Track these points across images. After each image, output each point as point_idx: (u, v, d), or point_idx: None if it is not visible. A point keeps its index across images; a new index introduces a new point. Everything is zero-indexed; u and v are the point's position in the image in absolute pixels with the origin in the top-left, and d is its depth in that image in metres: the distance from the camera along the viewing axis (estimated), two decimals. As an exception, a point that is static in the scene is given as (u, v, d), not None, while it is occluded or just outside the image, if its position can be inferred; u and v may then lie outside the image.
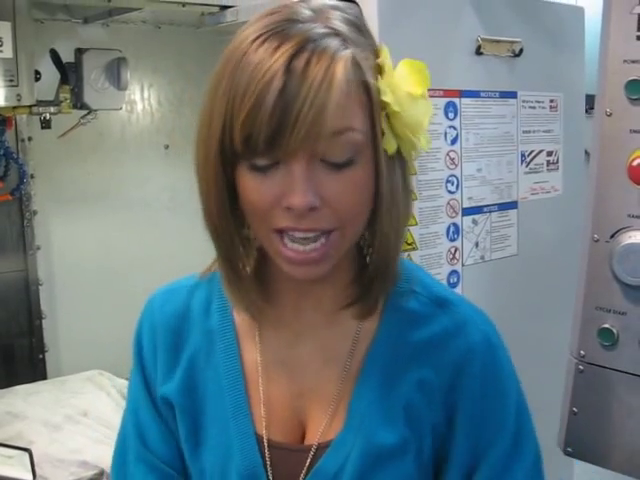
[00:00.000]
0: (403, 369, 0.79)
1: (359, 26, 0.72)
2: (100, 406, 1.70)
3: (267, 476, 0.79)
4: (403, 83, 0.72)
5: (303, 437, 0.81)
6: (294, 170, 0.67)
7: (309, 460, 0.79)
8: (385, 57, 0.72)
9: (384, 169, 0.71)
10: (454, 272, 1.69)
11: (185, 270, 2.64)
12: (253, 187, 0.69)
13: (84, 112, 1.85)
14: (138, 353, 0.88)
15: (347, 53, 0.67)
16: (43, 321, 2.22)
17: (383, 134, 0.71)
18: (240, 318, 0.84)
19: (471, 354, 0.79)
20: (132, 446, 0.87)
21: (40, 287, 2.21)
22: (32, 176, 2.14)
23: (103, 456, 1.53)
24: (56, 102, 1.73)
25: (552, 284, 1.80)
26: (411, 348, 0.79)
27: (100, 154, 2.26)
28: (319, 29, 0.67)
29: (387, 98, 0.69)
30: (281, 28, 0.67)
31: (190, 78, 2.36)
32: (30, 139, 2.12)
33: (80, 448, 1.56)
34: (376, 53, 0.72)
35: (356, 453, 0.77)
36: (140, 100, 2.32)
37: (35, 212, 2.18)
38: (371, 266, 0.78)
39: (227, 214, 0.74)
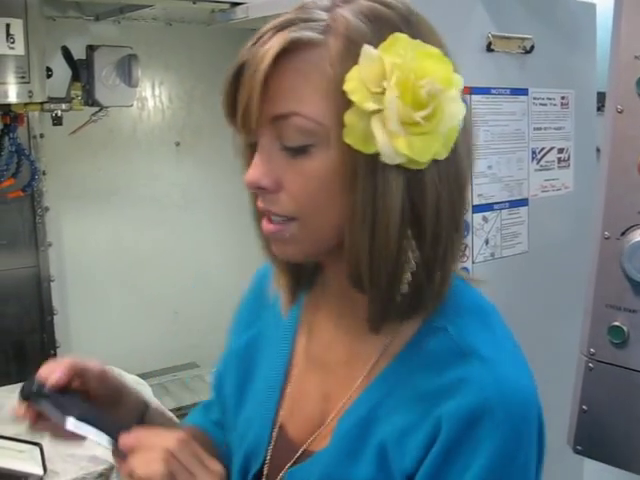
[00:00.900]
0: (394, 408, 0.72)
1: (370, 16, 0.66)
2: (110, 402, 1.71)
3: (264, 461, 0.81)
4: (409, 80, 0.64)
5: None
6: (256, 154, 0.70)
7: (291, 462, 0.79)
8: (387, 48, 0.64)
9: (358, 169, 0.65)
10: (464, 269, 1.69)
11: (196, 267, 2.66)
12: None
13: (95, 109, 1.86)
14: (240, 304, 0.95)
15: (286, 35, 0.65)
16: (54, 317, 2.24)
17: (344, 127, 0.64)
18: (306, 308, 0.85)
19: (466, 423, 0.67)
20: (214, 388, 0.95)
21: (52, 283, 2.22)
22: (44, 173, 2.15)
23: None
24: (67, 99, 1.74)
25: (562, 281, 1.80)
26: (413, 392, 0.71)
27: (111, 151, 2.27)
28: (302, 14, 0.67)
29: (348, 89, 0.64)
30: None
31: (201, 75, 2.36)
32: (42, 136, 2.13)
33: (90, 443, 1.56)
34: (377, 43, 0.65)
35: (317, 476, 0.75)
36: (151, 97, 2.32)
37: (47, 209, 2.19)
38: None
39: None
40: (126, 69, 1.80)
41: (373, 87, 0.63)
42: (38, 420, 0.76)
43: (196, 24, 2.26)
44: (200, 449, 0.71)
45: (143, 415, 0.83)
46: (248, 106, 0.66)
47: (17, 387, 1.84)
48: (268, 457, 0.81)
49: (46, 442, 1.54)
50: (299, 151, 0.67)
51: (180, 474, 0.67)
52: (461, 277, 0.77)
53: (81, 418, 0.72)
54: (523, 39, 1.67)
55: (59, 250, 2.26)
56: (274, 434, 0.81)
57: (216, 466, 0.71)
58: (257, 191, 0.71)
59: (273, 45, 0.65)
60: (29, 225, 2.20)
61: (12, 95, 1.53)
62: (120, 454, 0.69)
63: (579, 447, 1.13)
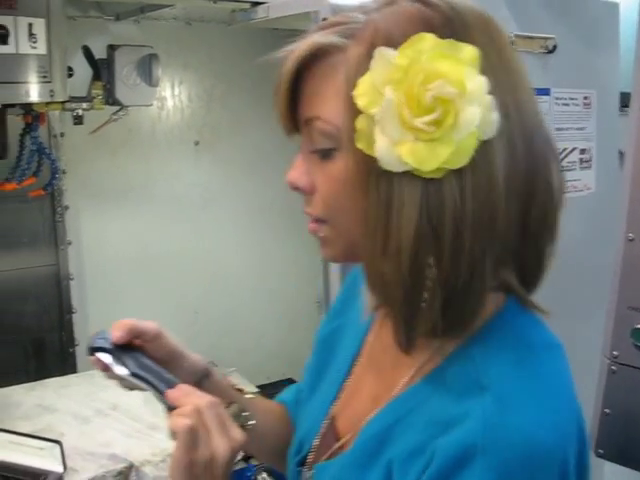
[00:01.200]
0: (409, 429, 0.69)
1: (405, 18, 0.63)
2: (129, 400, 1.71)
3: (310, 449, 0.84)
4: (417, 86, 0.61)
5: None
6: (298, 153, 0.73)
7: (326, 456, 0.80)
8: (404, 49, 0.61)
9: (370, 176, 0.63)
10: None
11: (215, 266, 2.67)
12: None
13: (115, 108, 1.86)
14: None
15: (313, 39, 0.67)
16: (73, 315, 2.25)
17: (355, 132, 0.63)
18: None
19: (454, 461, 0.61)
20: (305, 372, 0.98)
21: (71, 282, 2.24)
22: (64, 172, 2.17)
23: (132, 449, 1.54)
24: (88, 98, 1.75)
25: (585, 283, 1.78)
26: (428, 416, 0.67)
27: (130, 150, 2.28)
28: (341, 18, 0.68)
29: (357, 93, 0.62)
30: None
31: (220, 75, 2.37)
32: (62, 135, 2.14)
33: (109, 441, 1.57)
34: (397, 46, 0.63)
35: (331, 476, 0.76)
36: (170, 97, 2.33)
37: (67, 207, 2.21)
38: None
39: None
40: (147, 68, 1.80)
41: (380, 91, 0.61)
42: (107, 370, 0.81)
43: (216, 23, 2.27)
44: (226, 415, 0.75)
45: (200, 381, 0.86)
46: (279, 110, 0.71)
47: (37, 384, 1.87)
48: (314, 446, 0.83)
49: (65, 440, 1.55)
50: (325, 154, 0.69)
51: (199, 430, 0.71)
52: (521, 303, 0.71)
53: (137, 372, 0.80)
54: (545, 39, 1.66)
55: (78, 249, 2.27)
56: (324, 425, 0.83)
57: (236, 434, 0.74)
58: (297, 192, 0.73)
59: (299, 49, 0.67)
60: (49, 224, 2.21)
61: (34, 94, 1.54)
62: (169, 407, 0.76)
63: (601, 450, 1.12)
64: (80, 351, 2.30)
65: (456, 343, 0.69)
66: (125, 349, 0.81)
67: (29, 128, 1.71)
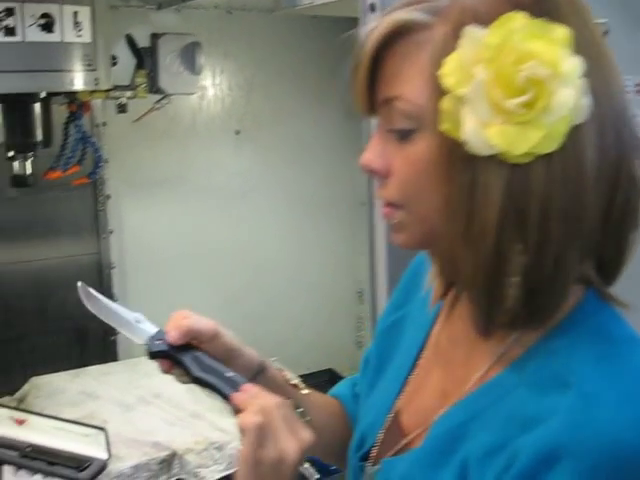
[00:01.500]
0: (487, 425, 0.66)
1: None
2: (171, 388, 1.72)
3: (373, 444, 0.81)
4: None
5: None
6: (374, 135, 0.70)
7: (393, 451, 0.77)
8: (494, 29, 0.59)
9: (454, 159, 0.61)
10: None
11: (254, 256, 2.67)
12: None
13: (158, 97, 1.86)
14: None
15: (396, 16, 0.64)
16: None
17: (439, 113, 0.60)
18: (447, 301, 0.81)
19: (540, 462, 0.58)
20: (362, 364, 0.97)
21: (112, 270, 2.25)
22: (106, 161, 2.17)
23: (175, 438, 1.55)
24: (132, 87, 1.75)
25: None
26: (508, 412, 0.64)
27: (172, 139, 2.28)
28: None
29: (443, 72, 0.59)
30: None
31: (261, 63, 2.36)
32: (105, 124, 2.15)
33: (152, 429, 1.58)
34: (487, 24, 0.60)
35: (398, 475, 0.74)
36: (211, 86, 2.33)
37: (109, 196, 2.22)
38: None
39: None
40: (190, 56, 1.80)
41: (470, 71, 0.59)
42: (170, 369, 0.83)
43: (257, 12, 2.25)
44: (293, 415, 0.74)
45: (255, 377, 0.85)
46: (357, 89, 0.67)
47: (80, 372, 1.89)
48: (378, 441, 0.81)
49: (109, 427, 1.56)
50: (404, 136, 0.66)
51: (268, 429, 0.70)
52: (600, 296, 0.68)
53: (200, 376, 0.80)
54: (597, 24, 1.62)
55: (120, 237, 2.28)
56: (389, 419, 0.81)
57: (305, 434, 0.73)
58: (371, 175, 0.70)
59: (381, 27, 0.64)
60: (91, 212, 2.22)
61: (79, 83, 1.54)
62: (233, 407, 0.76)
63: None
64: (121, 339, 2.32)
65: (537, 335, 0.66)
66: (183, 349, 0.81)
67: (73, 117, 1.72)
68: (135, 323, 0.85)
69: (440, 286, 0.78)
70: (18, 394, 1.78)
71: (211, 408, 1.67)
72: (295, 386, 0.90)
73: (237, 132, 2.39)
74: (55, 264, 2.19)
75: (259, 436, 0.70)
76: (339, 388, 1.02)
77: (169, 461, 1.50)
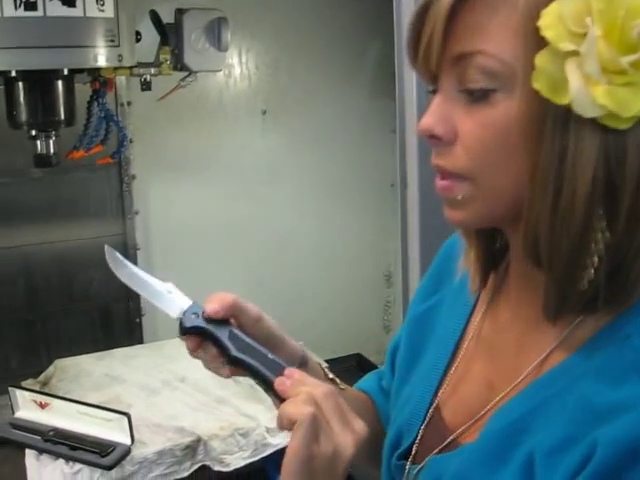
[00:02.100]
0: (554, 416, 0.60)
1: None
2: (197, 373, 1.69)
3: (414, 440, 0.75)
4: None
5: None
6: (434, 98, 0.62)
7: (438, 449, 0.71)
8: None
9: (545, 122, 0.55)
10: None
11: (279, 237, 2.63)
12: None
13: (184, 74, 1.81)
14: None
15: None
16: (140, 285, 2.24)
17: (533, 70, 0.55)
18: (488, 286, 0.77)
19: (625, 455, 0.54)
20: (388, 355, 0.91)
21: (137, 252, 2.24)
22: (131, 140, 2.15)
23: (199, 423, 1.52)
24: (156, 63, 1.70)
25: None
26: (579, 402, 0.59)
27: (198, 119, 2.25)
28: None
29: (543, 25, 0.54)
30: None
31: (287, 43, 2.30)
32: (129, 103, 2.13)
33: (177, 414, 1.55)
34: None
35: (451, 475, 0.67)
36: (237, 64, 2.28)
37: (134, 177, 2.19)
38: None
39: None
40: (215, 33, 1.74)
41: (573, 25, 0.53)
42: (198, 349, 0.75)
43: (284, -12, 2.20)
44: (346, 405, 0.67)
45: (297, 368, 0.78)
46: (430, 44, 0.60)
47: (105, 354, 1.87)
48: (419, 437, 0.75)
49: (133, 411, 1.53)
50: (480, 97, 0.59)
51: (320, 422, 0.64)
52: None
53: (239, 356, 0.72)
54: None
55: (145, 218, 2.26)
56: (429, 414, 0.75)
57: (359, 425, 0.66)
58: (430, 141, 0.63)
59: None
60: (116, 193, 2.20)
61: (102, 59, 1.49)
62: (276, 395, 0.69)
63: None
64: (146, 321, 2.30)
65: (605, 319, 0.61)
66: (220, 325, 0.73)
67: (97, 95, 1.68)
68: (167, 294, 0.76)
69: (478, 273, 0.73)
70: (42, 376, 1.77)
71: (237, 394, 1.63)
72: (333, 381, 0.84)
73: (264, 112, 2.34)
74: (80, 245, 2.17)
75: (312, 429, 0.63)
76: (366, 382, 0.97)
77: (193, 447, 1.47)
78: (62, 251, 2.16)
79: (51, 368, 1.79)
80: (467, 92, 0.59)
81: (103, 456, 1.37)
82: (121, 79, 2.08)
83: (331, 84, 2.37)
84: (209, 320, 0.72)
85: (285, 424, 0.64)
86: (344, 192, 2.44)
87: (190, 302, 0.74)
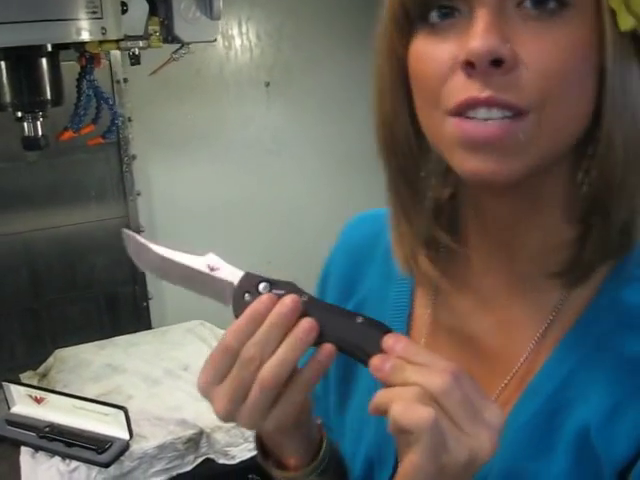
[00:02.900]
0: (592, 382, 0.55)
1: None
2: (201, 360, 1.60)
3: (395, 465, 0.63)
4: None
5: None
6: (477, 16, 0.49)
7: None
8: None
9: (611, 41, 0.50)
10: None
11: (287, 214, 2.53)
12: (427, 53, 0.53)
13: (175, 46, 1.72)
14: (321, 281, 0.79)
15: None
16: (146, 269, 2.18)
17: None
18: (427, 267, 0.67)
19: None
20: None
21: (142, 234, 2.16)
22: (129, 119, 2.08)
23: (202, 414, 1.44)
24: (145, 36, 1.61)
25: None
26: (617, 359, 0.55)
27: (198, 94, 2.17)
28: None
29: None
30: None
31: (290, 11, 2.20)
32: (125, 81, 2.04)
33: (179, 405, 1.48)
34: None
35: (495, 475, 0.58)
36: (238, 35, 2.19)
37: (134, 157, 2.12)
38: (585, 202, 0.55)
39: (402, 104, 0.58)
40: (207, 0, 1.64)
41: None
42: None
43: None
44: (474, 387, 0.50)
45: None
46: None
47: (108, 342, 1.80)
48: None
49: (133, 403, 1.47)
50: (553, 11, 0.49)
51: (445, 424, 0.48)
52: None
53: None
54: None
55: (148, 199, 2.20)
56: None
57: (493, 415, 0.50)
58: (487, 69, 0.49)
59: None
60: (116, 174, 2.13)
61: (84, 33, 1.40)
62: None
63: None
64: (154, 305, 2.23)
65: (600, 271, 0.57)
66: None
67: (84, 72, 1.59)
68: (210, 272, 0.59)
69: (429, 253, 0.64)
70: (42, 368, 1.71)
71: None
72: None
73: (267, 84, 2.25)
74: (82, 229, 2.11)
75: (437, 439, 0.47)
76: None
77: (196, 440, 1.39)
78: (64, 236, 2.10)
79: (51, 359, 1.73)
80: (535, 5, 0.49)
81: (100, 453, 1.31)
82: (116, 55, 1.99)
83: (336, 53, 2.27)
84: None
85: (396, 430, 0.49)
86: (353, 164, 2.34)
87: (240, 273, 0.58)
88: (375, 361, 0.51)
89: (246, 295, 0.56)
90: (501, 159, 0.51)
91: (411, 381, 0.49)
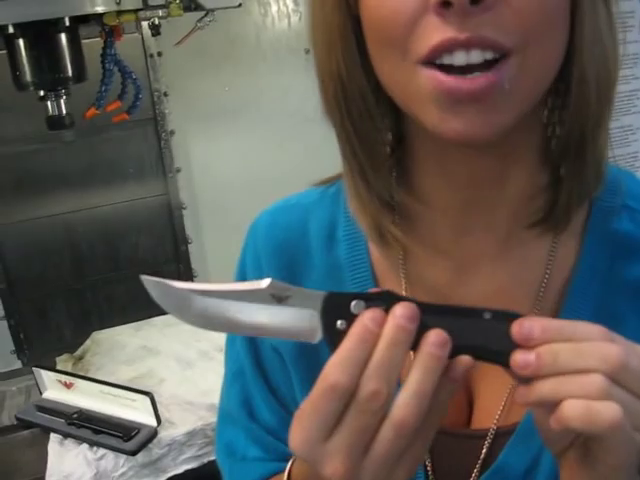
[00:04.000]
0: (618, 317, 0.54)
1: None
2: (237, 340, 1.57)
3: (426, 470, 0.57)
4: None
5: (470, 415, 0.58)
6: None
7: (485, 451, 0.55)
8: None
9: None
10: None
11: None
12: None
13: (199, 14, 1.65)
14: None
15: None
16: (189, 246, 2.15)
17: None
18: (378, 250, 0.61)
19: None
20: (240, 421, 0.69)
21: (183, 211, 2.12)
22: (165, 94, 2.03)
23: (234, 398, 1.39)
24: (165, 4, 1.54)
25: None
26: (629, 288, 0.55)
27: (235, 64, 2.09)
28: None
29: None
30: None
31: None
32: (159, 55, 1.99)
33: (210, 389, 1.42)
34: None
35: None
36: (274, 1, 2.10)
37: (172, 132, 2.07)
38: (559, 143, 0.53)
39: (354, 56, 0.54)
40: (228, -36, 1.56)
41: None
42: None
43: None
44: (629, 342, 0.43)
45: None
46: None
47: (144, 324, 1.77)
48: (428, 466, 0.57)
49: (165, 387, 1.43)
50: None
51: (633, 408, 0.40)
52: None
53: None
54: None
55: (188, 175, 2.14)
56: None
57: None
58: (467, 7, 0.43)
59: None
60: (155, 151, 2.08)
61: (98, 3, 1.35)
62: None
63: None
64: (199, 282, 2.20)
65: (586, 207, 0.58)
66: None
67: (105, 45, 1.54)
68: (279, 304, 0.46)
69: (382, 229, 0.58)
70: (80, 350, 1.68)
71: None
72: None
73: (307, 51, 2.15)
74: (122, 209, 2.08)
75: (628, 428, 0.40)
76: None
77: (226, 425, 1.34)
78: (104, 216, 2.07)
79: (87, 342, 1.71)
80: None
81: (126, 440, 1.27)
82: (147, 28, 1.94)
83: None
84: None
85: (571, 430, 0.40)
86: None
87: (320, 297, 0.46)
88: (517, 358, 0.41)
89: (338, 323, 0.45)
90: (488, 116, 0.46)
91: (572, 368, 0.40)
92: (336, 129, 0.58)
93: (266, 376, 0.68)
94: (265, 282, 0.46)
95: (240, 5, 1.63)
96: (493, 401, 0.56)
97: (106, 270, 2.10)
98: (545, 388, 0.40)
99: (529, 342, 0.41)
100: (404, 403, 0.40)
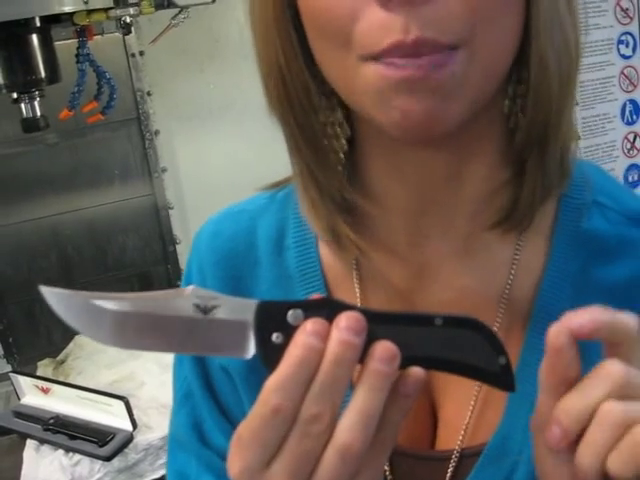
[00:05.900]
0: None
1: None
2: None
3: None
4: None
5: (434, 434, 0.55)
6: None
7: (449, 475, 0.52)
8: None
9: None
10: (634, 166, 1.34)
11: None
12: None
13: (173, 11, 1.63)
14: None
15: None
16: (177, 246, 2.13)
17: None
18: (330, 255, 0.59)
19: None
20: (191, 447, 0.66)
21: (170, 211, 2.10)
22: (148, 93, 2.01)
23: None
24: (137, 2, 1.52)
25: None
26: (603, 290, 0.52)
27: (219, 62, 2.08)
28: None
29: None
30: None
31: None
32: (142, 54, 1.97)
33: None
34: None
35: (528, 458, 0.48)
36: (256, -4, 2.08)
37: (157, 132, 2.05)
38: (521, 133, 0.50)
39: (294, 48, 0.51)
40: (201, -40, 1.54)
41: None
42: None
43: None
44: None
45: None
46: None
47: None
48: None
49: (145, 390, 1.41)
50: None
51: None
52: None
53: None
54: None
55: (175, 175, 2.13)
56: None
57: None
58: (406, 2, 0.41)
59: None
60: (139, 151, 2.06)
61: (66, 2, 1.33)
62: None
63: None
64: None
65: (553, 205, 0.55)
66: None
67: (78, 45, 1.52)
68: (204, 316, 0.41)
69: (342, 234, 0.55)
70: (62, 354, 1.67)
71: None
72: None
73: (292, 48, 2.14)
74: (108, 210, 2.06)
75: None
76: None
77: (204, 429, 1.32)
78: (90, 218, 2.05)
79: (71, 344, 1.69)
80: None
81: (101, 445, 1.25)
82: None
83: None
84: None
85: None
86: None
87: (252, 306, 0.41)
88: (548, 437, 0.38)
89: (274, 336, 0.40)
90: (438, 100, 0.43)
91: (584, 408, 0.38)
92: (280, 125, 0.54)
93: (216, 397, 0.65)
94: (187, 290, 0.41)
95: (214, 1, 1.62)
96: (459, 414, 0.53)
97: (94, 272, 2.09)
98: (587, 456, 0.37)
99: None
100: (348, 426, 0.37)
